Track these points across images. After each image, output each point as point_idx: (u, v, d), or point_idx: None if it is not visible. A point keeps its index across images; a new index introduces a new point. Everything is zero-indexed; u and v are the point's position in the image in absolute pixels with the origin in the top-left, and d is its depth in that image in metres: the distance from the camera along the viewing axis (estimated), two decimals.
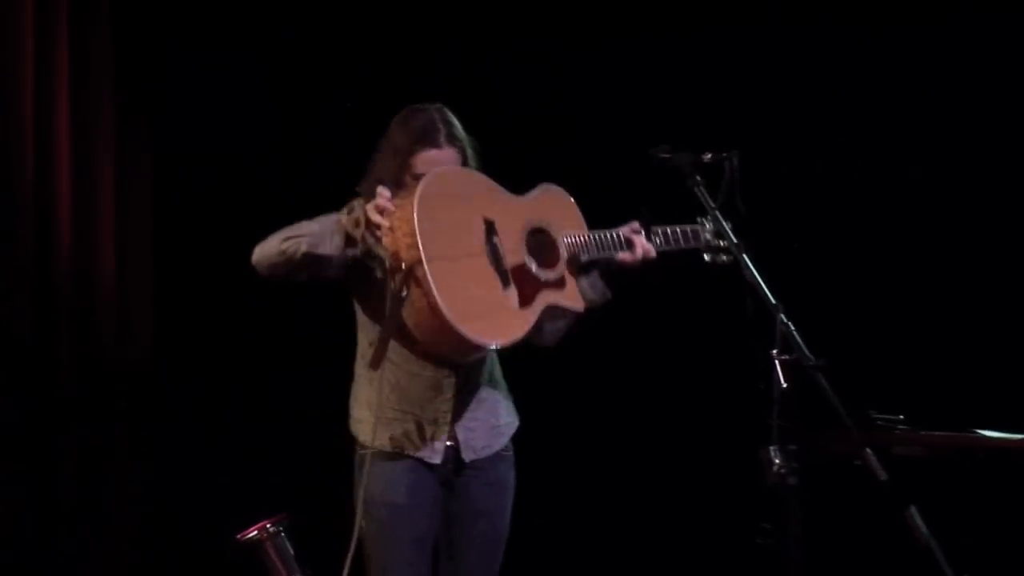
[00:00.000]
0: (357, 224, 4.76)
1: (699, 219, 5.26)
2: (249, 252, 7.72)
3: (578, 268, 5.07)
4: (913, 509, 4.76)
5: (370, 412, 4.98)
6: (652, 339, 7.80)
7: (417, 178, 4.84)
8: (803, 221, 7.38)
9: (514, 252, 4.85)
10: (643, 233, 5.15)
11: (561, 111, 7.65)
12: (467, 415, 5.01)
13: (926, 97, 7.53)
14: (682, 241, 5.26)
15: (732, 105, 7.56)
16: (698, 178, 4.74)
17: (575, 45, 7.83)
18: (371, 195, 4.84)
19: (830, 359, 4.65)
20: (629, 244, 5.12)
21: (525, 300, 4.85)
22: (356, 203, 4.84)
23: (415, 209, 4.67)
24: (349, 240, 4.80)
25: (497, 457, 5.09)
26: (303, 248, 4.86)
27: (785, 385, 4.59)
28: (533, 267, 4.90)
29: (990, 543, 6.05)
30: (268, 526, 7.64)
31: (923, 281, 7.48)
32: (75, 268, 7.78)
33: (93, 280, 7.86)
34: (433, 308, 4.66)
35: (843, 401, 4.68)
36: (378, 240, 4.72)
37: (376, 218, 4.69)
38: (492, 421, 5.07)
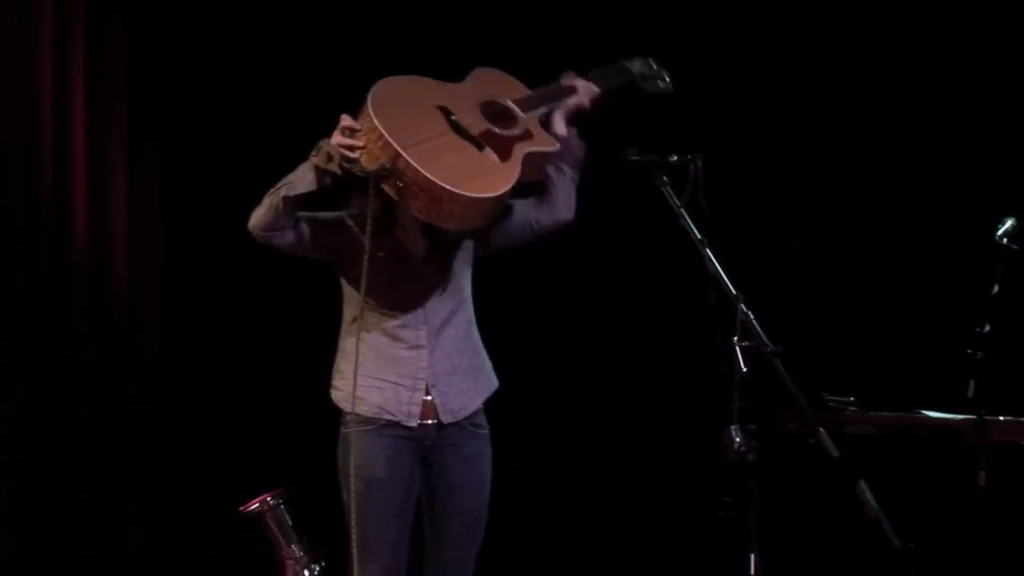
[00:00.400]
0: (330, 158, 4.75)
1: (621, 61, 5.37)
2: (250, 247, 7.77)
3: (540, 122, 5.07)
4: (863, 483, 4.78)
5: (349, 380, 4.95)
6: (624, 328, 7.80)
7: None
8: (761, 220, 7.37)
9: (476, 123, 4.83)
10: (576, 76, 5.20)
11: None
12: (443, 379, 4.95)
13: (875, 92, 7.53)
14: (615, 77, 5.29)
15: (696, 109, 7.56)
16: (665, 178, 4.75)
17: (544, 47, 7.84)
18: None
19: (786, 346, 4.66)
20: (572, 89, 5.12)
21: (504, 155, 4.80)
22: (322, 142, 4.83)
23: (373, 117, 4.68)
24: (321, 174, 4.81)
25: (471, 434, 5.02)
26: (282, 194, 4.90)
27: (745, 369, 4.60)
28: (497, 130, 4.86)
29: (932, 514, 6.07)
30: (268, 499, 7.64)
31: (871, 275, 7.49)
32: (90, 263, 7.77)
33: (106, 274, 7.85)
34: (430, 186, 4.63)
35: (798, 384, 4.70)
36: (356, 161, 4.70)
37: (346, 142, 4.70)
38: (468, 384, 5.02)
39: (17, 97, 7.54)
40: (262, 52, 7.98)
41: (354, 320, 4.94)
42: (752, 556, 4.63)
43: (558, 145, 4.99)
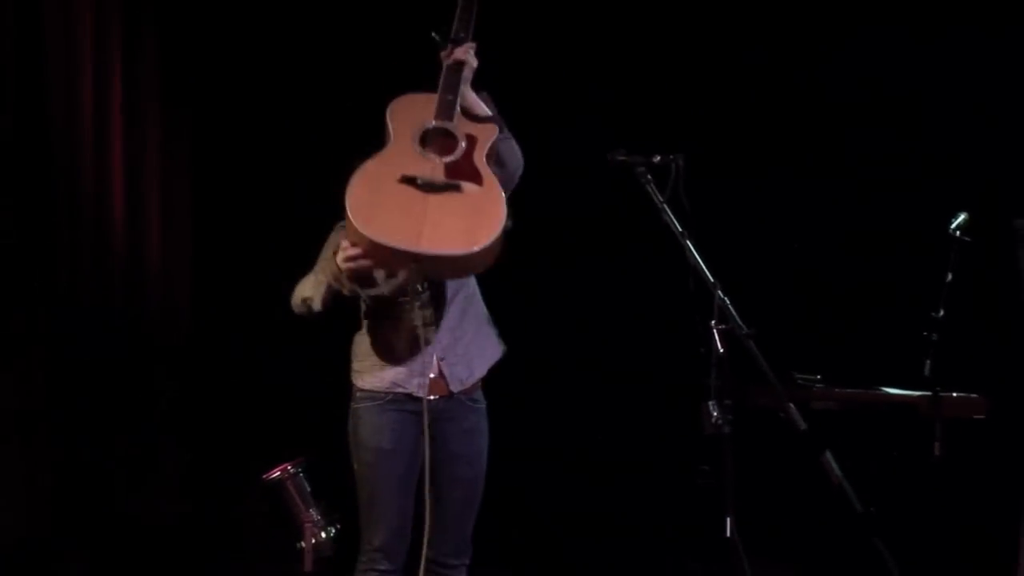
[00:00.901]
0: (341, 282, 4.73)
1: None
2: (272, 229, 7.77)
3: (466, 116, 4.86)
4: (828, 454, 4.78)
5: (363, 360, 4.96)
6: (612, 313, 7.79)
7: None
8: (737, 214, 7.37)
9: (435, 169, 4.65)
10: (451, 50, 4.89)
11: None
12: (451, 351, 4.89)
13: (844, 92, 7.52)
14: (467, 9, 4.96)
15: (677, 111, 7.56)
16: (649, 177, 4.73)
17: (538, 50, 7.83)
18: None
19: (759, 329, 4.65)
20: (458, 63, 4.85)
21: (475, 176, 4.64)
22: (327, 259, 4.82)
23: (368, 235, 4.53)
24: (336, 292, 4.80)
25: (470, 408, 4.97)
26: (315, 308, 4.91)
27: (721, 350, 4.60)
28: (450, 158, 4.69)
29: (891, 482, 6.06)
30: (289, 468, 7.64)
31: (837, 265, 7.49)
32: (126, 244, 7.78)
33: (140, 258, 7.85)
34: (453, 259, 4.54)
35: (770, 363, 4.70)
36: (369, 277, 4.67)
37: (351, 265, 4.62)
38: (474, 352, 4.98)
39: (62, 97, 7.55)
40: (290, 49, 7.96)
41: (364, 300, 4.90)
42: (728, 519, 4.62)
43: (496, 132, 4.81)
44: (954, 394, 5.70)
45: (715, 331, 4.60)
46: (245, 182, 7.97)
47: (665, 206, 4.68)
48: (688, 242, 4.66)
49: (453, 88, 4.79)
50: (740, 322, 4.62)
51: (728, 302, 4.61)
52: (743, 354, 4.64)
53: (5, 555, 7.32)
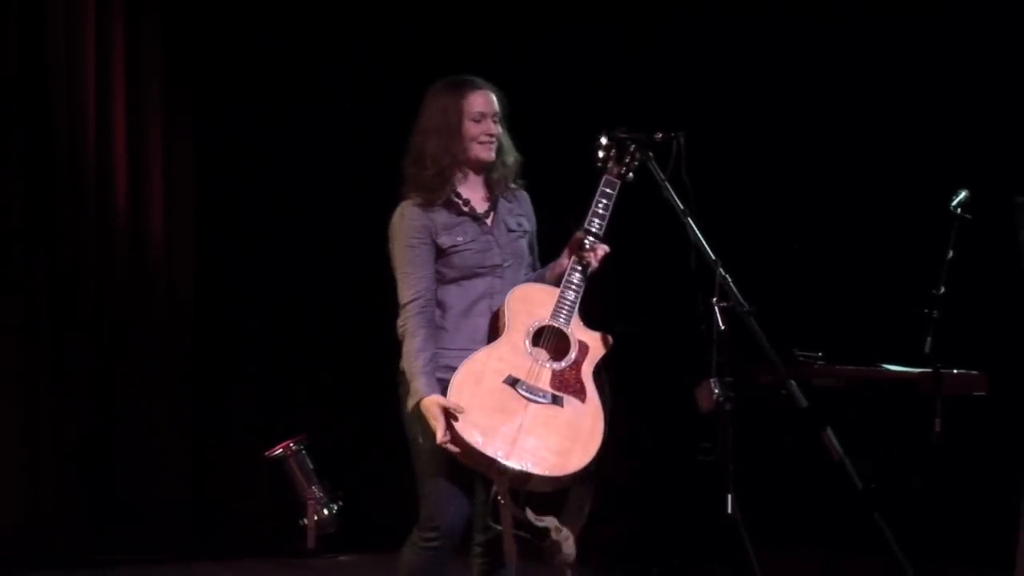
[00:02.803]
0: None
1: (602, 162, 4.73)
2: (274, 208, 7.76)
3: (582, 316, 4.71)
4: (829, 431, 4.77)
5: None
6: (615, 290, 7.78)
7: (475, 119, 4.65)
8: (738, 192, 7.36)
9: (542, 375, 4.56)
10: (585, 243, 4.69)
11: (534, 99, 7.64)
12: None
13: (846, 71, 7.52)
14: (607, 204, 4.69)
15: (680, 89, 7.55)
16: (650, 154, 4.72)
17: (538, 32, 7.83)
18: (421, 168, 4.66)
19: (760, 306, 4.64)
20: (588, 266, 4.71)
21: (579, 391, 4.59)
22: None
23: (458, 427, 4.43)
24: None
25: None
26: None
27: (723, 327, 4.58)
28: (559, 365, 4.60)
29: (892, 458, 6.06)
30: (291, 445, 7.66)
31: (838, 242, 7.49)
32: (129, 222, 7.80)
33: (145, 237, 7.87)
34: (544, 480, 4.50)
35: (771, 341, 4.68)
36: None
37: (442, 445, 4.47)
38: None
39: (63, 74, 7.56)
40: (292, 25, 7.96)
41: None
42: (729, 496, 4.62)
43: (610, 339, 4.72)
44: (955, 371, 5.70)
45: (716, 308, 4.58)
46: (247, 160, 7.97)
47: (666, 183, 4.66)
48: (689, 219, 4.65)
49: (577, 286, 4.69)
50: (741, 299, 4.60)
51: (729, 279, 4.60)
52: (744, 331, 4.63)
53: (6, 530, 7.34)
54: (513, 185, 4.81)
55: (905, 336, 5.66)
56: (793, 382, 4.76)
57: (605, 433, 4.57)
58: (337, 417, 8.03)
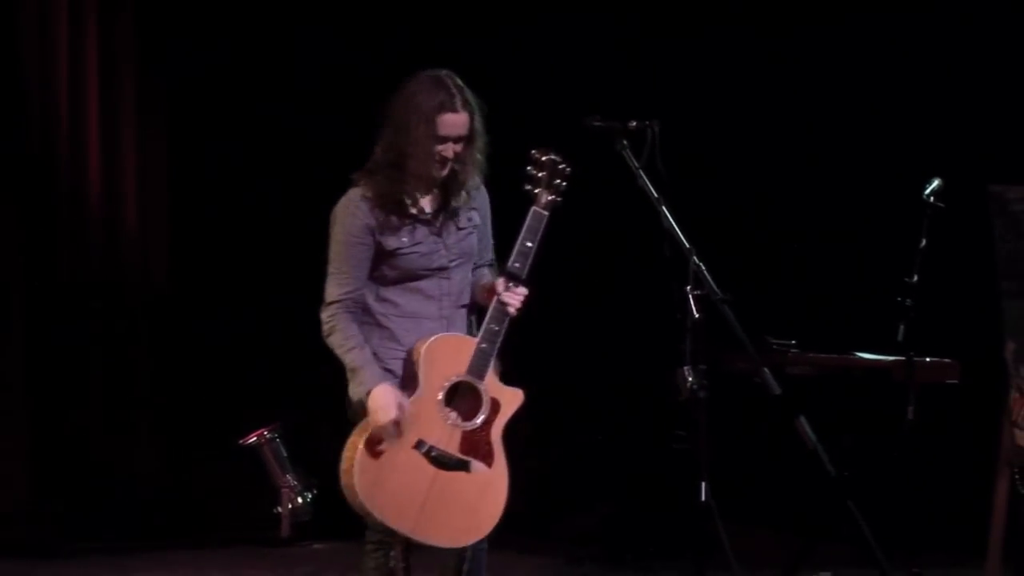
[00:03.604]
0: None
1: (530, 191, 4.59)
2: (248, 193, 7.72)
3: (496, 368, 4.58)
4: (802, 418, 4.78)
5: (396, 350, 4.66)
6: (589, 278, 7.80)
7: (441, 139, 4.52)
8: (712, 180, 7.38)
9: (450, 437, 4.49)
10: (505, 286, 4.55)
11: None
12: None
13: (819, 63, 7.54)
14: (533, 241, 4.55)
15: (653, 78, 7.56)
16: (624, 143, 4.72)
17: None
18: (394, 164, 4.56)
19: (734, 294, 4.65)
20: (506, 313, 4.56)
21: (487, 455, 4.52)
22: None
23: (364, 499, 4.44)
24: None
25: None
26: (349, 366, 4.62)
27: (697, 315, 4.59)
28: (469, 425, 4.52)
29: (865, 445, 6.09)
30: (265, 433, 7.65)
31: (811, 230, 7.51)
32: (103, 207, 7.79)
33: (118, 217, 7.85)
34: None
35: (745, 329, 4.69)
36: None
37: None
38: None
39: (36, 58, 7.53)
40: (267, 11, 7.94)
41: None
42: (703, 484, 4.63)
43: (522, 393, 4.60)
44: (928, 359, 5.72)
45: (690, 296, 4.59)
46: (221, 144, 7.95)
47: (641, 172, 4.67)
48: (663, 208, 4.66)
49: (492, 337, 4.55)
50: (715, 287, 4.61)
51: (703, 267, 4.60)
52: (718, 319, 4.64)
53: None
54: (457, 201, 4.65)
55: (878, 324, 5.68)
56: (767, 370, 4.78)
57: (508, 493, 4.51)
58: (311, 405, 8.02)
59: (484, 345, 4.54)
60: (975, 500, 6.17)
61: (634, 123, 4.71)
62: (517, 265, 4.55)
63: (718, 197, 7.35)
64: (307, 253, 7.87)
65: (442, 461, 4.48)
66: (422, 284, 4.64)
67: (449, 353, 4.55)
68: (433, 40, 7.49)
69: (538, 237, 4.56)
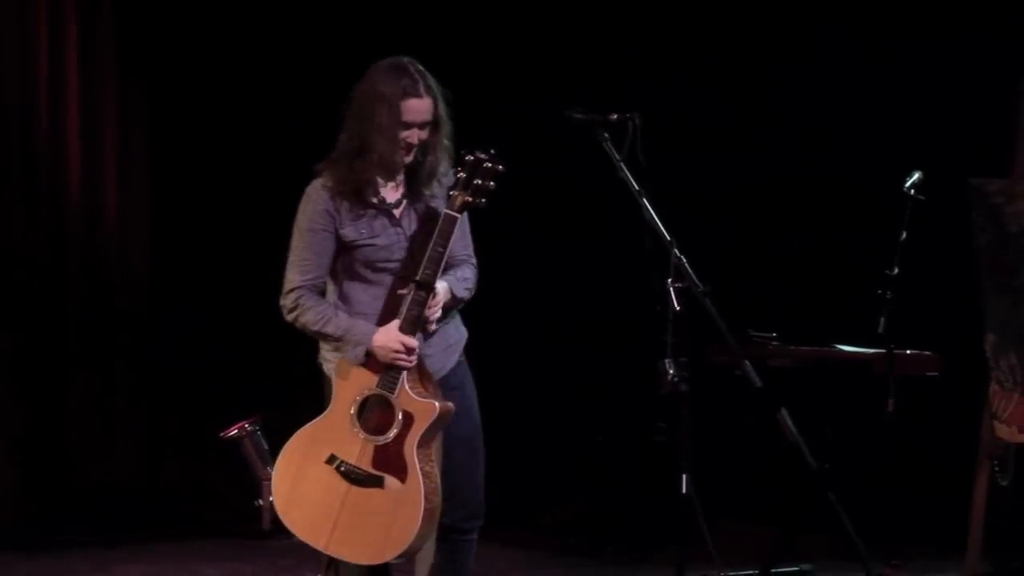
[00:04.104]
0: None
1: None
2: (229, 191, 7.72)
3: (417, 375, 4.55)
4: (783, 411, 4.80)
5: (334, 354, 4.67)
6: (570, 270, 7.81)
7: (406, 125, 4.50)
8: (693, 172, 7.38)
9: (361, 451, 4.47)
10: (416, 294, 4.51)
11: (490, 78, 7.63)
12: (423, 346, 4.62)
13: (798, 55, 7.55)
14: (444, 246, 4.47)
15: (635, 69, 7.57)
16: (606, 135, 4.72)
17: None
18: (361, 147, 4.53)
19: (715, 286, 4.66)
20: (424, 324, 4.53)
21: (400, 470, 4.46)
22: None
23: (280, 513, 4.57)
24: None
25: (454, 368, 4.81)
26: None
27: (678, 308, 4.60)
28: (380, 439, 4.48)
29: (846, 437, 6.10)
30: (246, 425, 7.63)
31: (793, 223, 7.52)
32: (83, 206, 7.76)
33: (98, 219, 7.82)
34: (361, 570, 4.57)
35: (726, 321, 4.70)
36: None
37: None
38: (444, 343, 4.72)
39: (16, 52, 7.51)
40: (246, 16, 7.92)
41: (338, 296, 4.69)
42: (684, 476, 4.63)
43: (436, 405, 4.49)
44: (908, 351, 5.73)
45: (671, 289, 4.60)
46: (202, 143, 7.93)
47: (622, 164, 4.67)
48: (644, 200, 4.66)
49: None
50: (696, 280, 4.62)
51: (684, 260, 4.61)
52: (699, 312, 4.64)
53: None
54: (427, 190, 4.63)
55: (859, 316, 5.69)
56: (748, 362, 4.79)
57: (432, 505, 4.46)
58: (292, 397, 8.01)
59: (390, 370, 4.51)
60: (955, 492, 6.19)
61: (615, 115, 4.71)
62: (428, 272, 4.48)
63: (699, 190, 7.36)
64: (287, 249, 7.93)
65: (353, 476, 4.47)
66: (383, 277, 4.62)
67: (358, 369, 4.54)
68: (417, 37, 7.48)
69: (450, 241, 4.48)
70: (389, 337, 4.49)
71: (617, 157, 4.67)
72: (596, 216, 7.34)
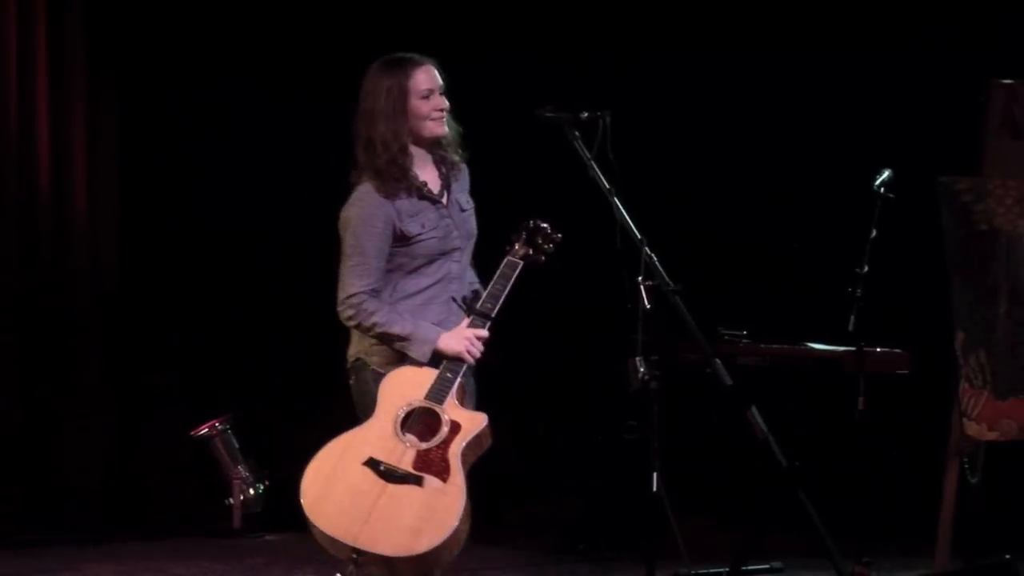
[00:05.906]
0: None
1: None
2: (199, 185, 7.68)
3: (462, 393, 4.59)
4: (753, 408, 4.80)
5: (387, 366, 4.63)
6: (539, 269, 7.78)
7: (424, 95, 4.57)
8: (663, 170, 7.38)
9: (403, 455, 4.44)
10: (471, 323, 4.62)
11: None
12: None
13: (773, 58, 7.56)
14: (504, 286, 4.66)
15: (606, 68, 7.56)
16: (576, 133, 4.71)
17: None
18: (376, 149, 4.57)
19: (686, 284, 4.66)
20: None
21: (442, 470, 4.43)
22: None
23: (306, 509, 4.40)
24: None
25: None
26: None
27: (648, 306, 4.60)
28: (424, 444, 4.47)
29: (816, 435, 6.10)
30: (217, 424, 7.62)
31: (763, 221, 7.53)
32: (52, 201, 7.73)
33: (68, 216, 7.79)
34: (390, 560, 4.39)
35: (696, 319, 4.70)
36: None
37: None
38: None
39: None
40: (216, 12, 7.89)
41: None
42: (655, 474, 4.63)
43: (485, 416, 4.57)
44: (878, 349, 5.73)
45: (642, 287, 4.60)
46: (171, 138, 7.90)
47: (592, 163, 4.66)
48: (615, 199, 4.65)
49: (455, 367, 4.57)
50: (667, 278, 4.62)
51: (655, 258, 4.61)
52: (669, 310, 4.64)
53: None
54: (456, 157, 4.72)
55: (829, 315, 5.69)
56: (718, 360, 4.79)
57: (468, 509, 4.42)
58: (263, 396, 7.99)
59: (447, 374, 4.55)
60: (925, 489, 6.20)
61: (586, 114, 4.71)
62: (488, 306, 4.61)
63: (669, 187, 7.36)
64: (257, 247, 7.91)
65: (393, 475, 4.42)
66: (434, 268, 4.67)
67: (408, 382, 4.55)
68: (391, 30, 7.47)
69: (510, 284, 4.65)
70: (459, 330, 4.57)
71: (588, 156, 4.67)
72: (567, 214, 7.33)
